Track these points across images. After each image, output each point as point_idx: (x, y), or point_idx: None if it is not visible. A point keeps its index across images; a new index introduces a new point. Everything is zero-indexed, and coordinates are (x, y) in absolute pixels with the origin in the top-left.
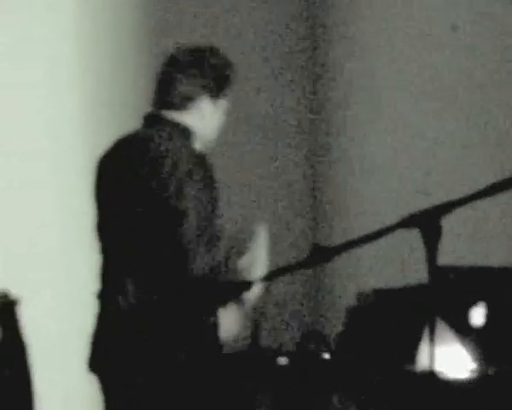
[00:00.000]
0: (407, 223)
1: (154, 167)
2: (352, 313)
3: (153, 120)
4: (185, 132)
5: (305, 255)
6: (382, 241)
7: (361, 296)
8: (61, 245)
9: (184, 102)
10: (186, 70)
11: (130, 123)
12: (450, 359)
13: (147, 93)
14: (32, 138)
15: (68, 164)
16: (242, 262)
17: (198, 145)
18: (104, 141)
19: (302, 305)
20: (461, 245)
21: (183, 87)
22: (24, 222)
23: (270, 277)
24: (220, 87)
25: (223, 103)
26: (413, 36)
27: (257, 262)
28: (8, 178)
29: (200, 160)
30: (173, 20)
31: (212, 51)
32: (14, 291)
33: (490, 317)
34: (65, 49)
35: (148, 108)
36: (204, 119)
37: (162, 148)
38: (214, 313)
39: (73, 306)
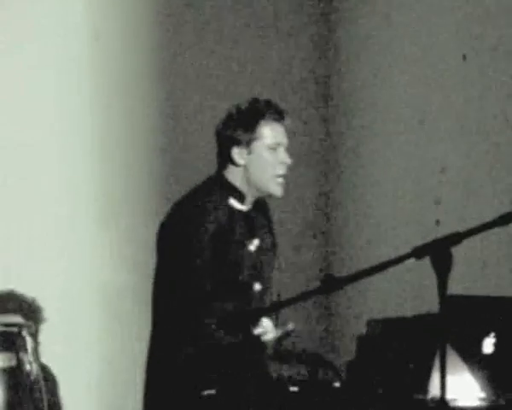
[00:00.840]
0: (418, 252)
1: None
2: (363, 341)
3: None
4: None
5: (316, 283)
6: (394, 269)
7: (372, 324)
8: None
9: (221, 160)
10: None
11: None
12: (461, 388)
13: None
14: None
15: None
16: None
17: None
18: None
19: (313, 332)
20: (471, 275)
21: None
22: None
23: (281, 305)
24: (247, 134)
25: (261, 144)
26: (424, 67)
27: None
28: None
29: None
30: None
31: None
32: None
33: (500, 346)
34: (76, 49)
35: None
36: (242, 168)
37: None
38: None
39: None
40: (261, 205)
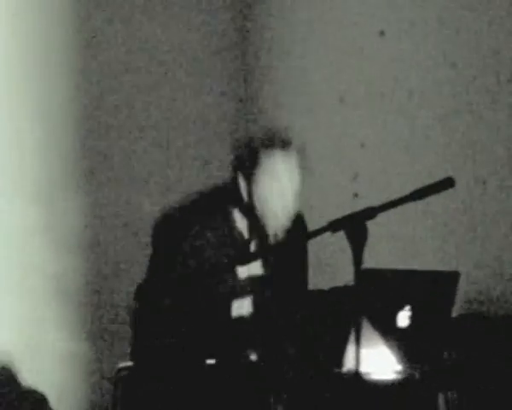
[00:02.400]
0: (334, 226)
1: None
2: None
3: None
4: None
5: None
6: (310, 243)
7: None
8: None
9: None
10: None
11: None
12: (377, 361)
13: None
14: None
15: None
16: None
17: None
18: None
19: None
20: (386, 249)
21: None
22: None
23: None
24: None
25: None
26: (342, 43)
27: None
28: None
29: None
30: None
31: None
32: None
33: (415, 319)
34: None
35: None
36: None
37: None
38: None
39: None
40: None
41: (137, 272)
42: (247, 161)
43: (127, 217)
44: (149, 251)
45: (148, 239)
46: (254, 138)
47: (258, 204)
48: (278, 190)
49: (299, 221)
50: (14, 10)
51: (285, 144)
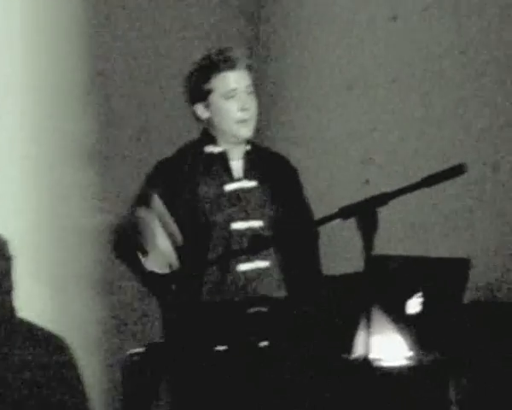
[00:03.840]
0: (345, 212)
1: None
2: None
3: None
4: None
5: None
6: (322, 229)
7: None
8: None
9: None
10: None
11: None
12: (387, 347)
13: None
14: None
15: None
16: None
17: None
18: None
19: None
20: (397, 235)
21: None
22: None
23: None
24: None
25: (216, 95)
26: (355, 28)
27: None
28: None
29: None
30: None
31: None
32: None
33: (425, 306)
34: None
35: None
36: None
37: None
38: None
39: None
40: (267, 153)
41: None
42: (197, 87)
43: None
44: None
45: None
46: (202, 65)
47: (218, 125)
48: (231, 106)
49: (285, 165)
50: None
51: (230, 61)
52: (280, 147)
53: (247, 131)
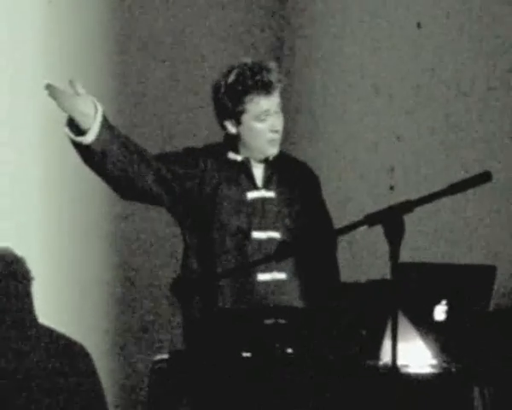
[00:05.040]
0: (371, 219)
1: None
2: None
3: None
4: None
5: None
6: (347, 237)
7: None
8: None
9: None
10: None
11: None
12: (412, 354)
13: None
14: None
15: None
16: None
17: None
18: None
19: None
20: (423, 243)
21: None
22: None
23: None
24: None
25: (248, 117)
26: (379, 35)
27: None
28: None
29: None
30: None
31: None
32: None
33: (451, 314)
34: (29, 52)
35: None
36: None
37: None
38: None
39: None
40: (286, 160)
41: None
42: (230, 106)
43: None
44: None
45: None
46: (235, 85)
47: (247, 143)
48: (263, 128)
49: (308, 173)
50: None
51: (265, 87)
52: (305, 154)
53: (275, 151)
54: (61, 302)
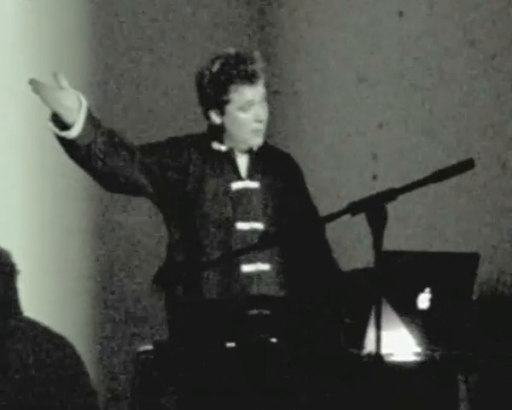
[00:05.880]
0: (354, 208)
1: None
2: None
3: None
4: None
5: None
6: (330, 226)
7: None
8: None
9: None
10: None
11: None
12: (397, 343)
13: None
14: None
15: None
16: None
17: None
18: None
19: None
20: (406, 231)
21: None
22: None
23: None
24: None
25: (233, 107)
26: (361, 24)
27: None
28: None
29: None
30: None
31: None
32: None
33: (435, 302)
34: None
35: None
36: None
37: None
38: None
39: None
40: (270, 151)
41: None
42: (213, 95)
43: None
44: None
45: None
46: (219, 74)
47: (231, 132)
48: (247, 117)
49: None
50: None
51: (249, 77)
52: (287, 143)
53: (259, 141)
54: (45, 296)
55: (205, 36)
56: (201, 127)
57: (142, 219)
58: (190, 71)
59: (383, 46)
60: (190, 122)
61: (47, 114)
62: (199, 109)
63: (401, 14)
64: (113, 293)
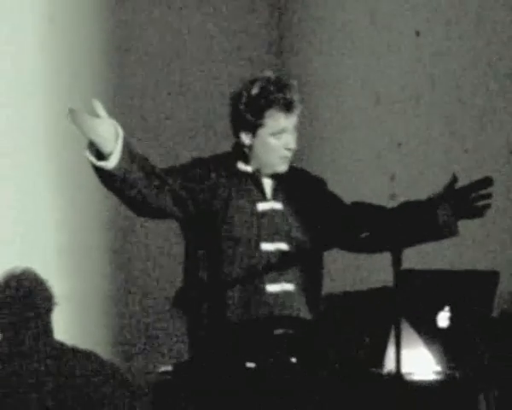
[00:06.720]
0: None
1: None
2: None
3: None
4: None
5: None
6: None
7: (329, 298)
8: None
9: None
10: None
11: None
12: (416, 361)
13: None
14: None
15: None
16: None
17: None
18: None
19: None
20: (426, 249)
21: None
22: None
23: None
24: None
25: (265, 132)
26: (378, 44)
27: None
28: None
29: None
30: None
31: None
32: None
33: (454, 320)
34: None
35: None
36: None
37: None
38: None
39: None
40: (295, 172)
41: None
42: (249, 117)
43: None
44: None
45: None
46: (257, 98)
47: (259, 156)
48: (277, 144)
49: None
50: None
51: (287, 105)
52: (304, 164)
53: (285, 168)
54: (66, 316)
55: (219, 53)
56: (218, 138)
57: (162, 239)
58: (208, 83)
59: (400, 66)
60: (204, 136)
61: (66, 122)
62: (221, 123)
63: (418, 33)
64: (134, 312)
